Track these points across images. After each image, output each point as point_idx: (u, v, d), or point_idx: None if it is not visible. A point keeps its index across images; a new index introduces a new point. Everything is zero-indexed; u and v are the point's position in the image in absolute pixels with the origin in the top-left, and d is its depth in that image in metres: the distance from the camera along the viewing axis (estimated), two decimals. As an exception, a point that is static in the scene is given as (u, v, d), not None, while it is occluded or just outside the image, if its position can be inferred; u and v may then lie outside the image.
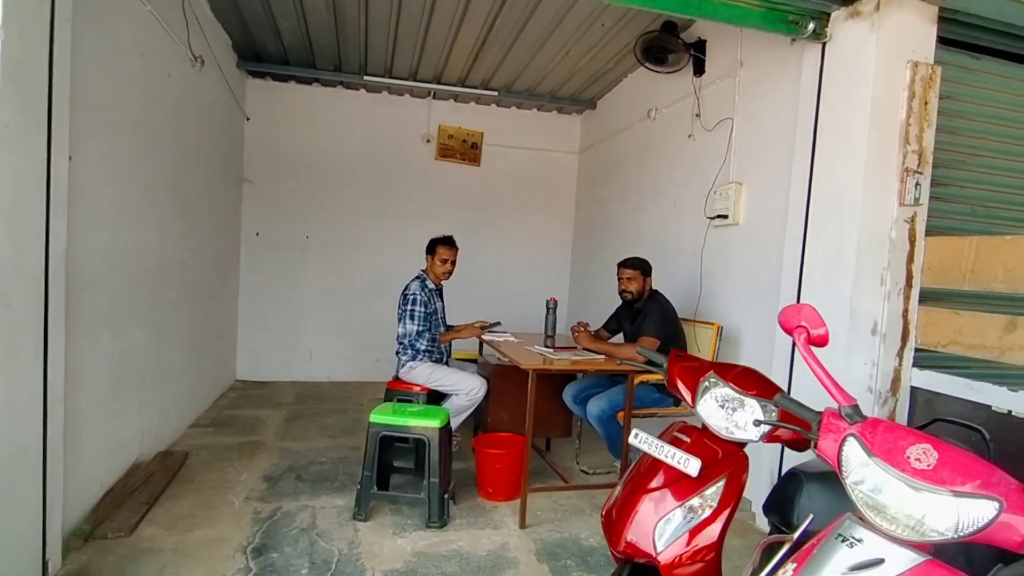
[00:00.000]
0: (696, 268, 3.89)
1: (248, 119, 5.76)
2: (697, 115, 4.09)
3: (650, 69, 4.10)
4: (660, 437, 1.88)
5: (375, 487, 3.01)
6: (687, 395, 1.82)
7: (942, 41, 2.76)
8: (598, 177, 6.04)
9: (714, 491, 1.67)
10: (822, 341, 1.43)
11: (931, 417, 2.84)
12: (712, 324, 3.47)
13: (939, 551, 1.19)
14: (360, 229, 6.17)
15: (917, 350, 2.75)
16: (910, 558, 1.17)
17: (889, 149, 2.67)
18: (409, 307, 3.72)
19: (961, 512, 1.12)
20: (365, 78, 5.58)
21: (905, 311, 2.73)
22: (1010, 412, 2.34)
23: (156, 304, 3.60)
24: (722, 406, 1.74)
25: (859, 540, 1.25)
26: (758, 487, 2.97)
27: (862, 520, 1.28)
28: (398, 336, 3.83)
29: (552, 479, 3.65)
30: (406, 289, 3.82)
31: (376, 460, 3.00)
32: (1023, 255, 2.35)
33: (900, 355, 2.74)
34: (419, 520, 3.03)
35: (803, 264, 2.95)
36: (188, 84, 3.98)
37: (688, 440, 1.77)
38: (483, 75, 5.54)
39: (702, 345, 3.52)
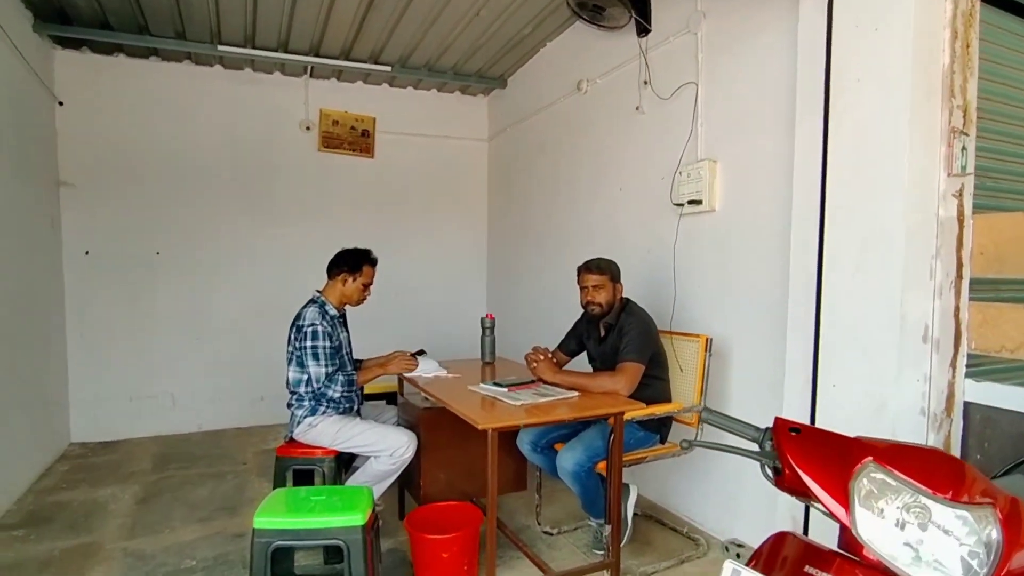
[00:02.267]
0: (664, 267, 3.20)
1: (61, 103, 4.39)
2: (646, 82, 3.40)
3: (589, 23, 3.34)
4: (766, 567, 1.12)
5: (269, 623, 2.03)
6: (834, 505, 1.05)
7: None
8: (515, 166, 5.24)
9: None
10: None
11: (993, 440, 2.35)
12: (697, 336, 2.78)
13: None
14: (227, 240, 4.95)
15: (970, 357, 2.21)
16: None
17: (931, 103, 2.08)
18: (309, 344, 2.71)
19: None
20: (220, 49, 4.40)
21: (956, 309, 2.17)
22: (1115, 432, 1.82)
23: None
24: (899, 523, 1.00)
25: None
26: None
27: None
28: (290, 383, 2.81)
29: (511, 552, 2.79)
30: (299, 319, 2.81)
31: (268, 581, 2.02)
32: None
33: (953, 365, 2.17)
34: (340, 658, 2.08)
35: (822, 255, 2.32)
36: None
37: (842, 585, 1.01)
38: (372, 45, 4.56)
39: (685, 363, 2.83)
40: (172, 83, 4.74)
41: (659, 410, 2.56)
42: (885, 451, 1.04)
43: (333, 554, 2.58)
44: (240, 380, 4.99)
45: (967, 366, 2.20)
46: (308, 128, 5.10)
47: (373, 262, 2.93)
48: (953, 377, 2.18)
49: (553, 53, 4.49)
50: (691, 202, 2.99)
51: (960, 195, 2.15)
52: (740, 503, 2.86)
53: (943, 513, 0.97)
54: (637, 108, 3.47)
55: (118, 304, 4.68)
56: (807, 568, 1.06)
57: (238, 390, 5.00)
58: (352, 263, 2.86)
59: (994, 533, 0.95)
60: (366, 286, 2.91)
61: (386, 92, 5.39)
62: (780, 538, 1.18)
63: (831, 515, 1.04)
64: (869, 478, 1.02)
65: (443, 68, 5.04)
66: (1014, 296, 2.23)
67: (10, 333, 3.49)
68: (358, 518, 2.03)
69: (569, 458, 2.47)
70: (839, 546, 1.09)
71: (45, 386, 4.14)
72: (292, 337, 2.80)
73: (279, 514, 2.04)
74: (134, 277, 4.72)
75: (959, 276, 2.17)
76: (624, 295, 2.83)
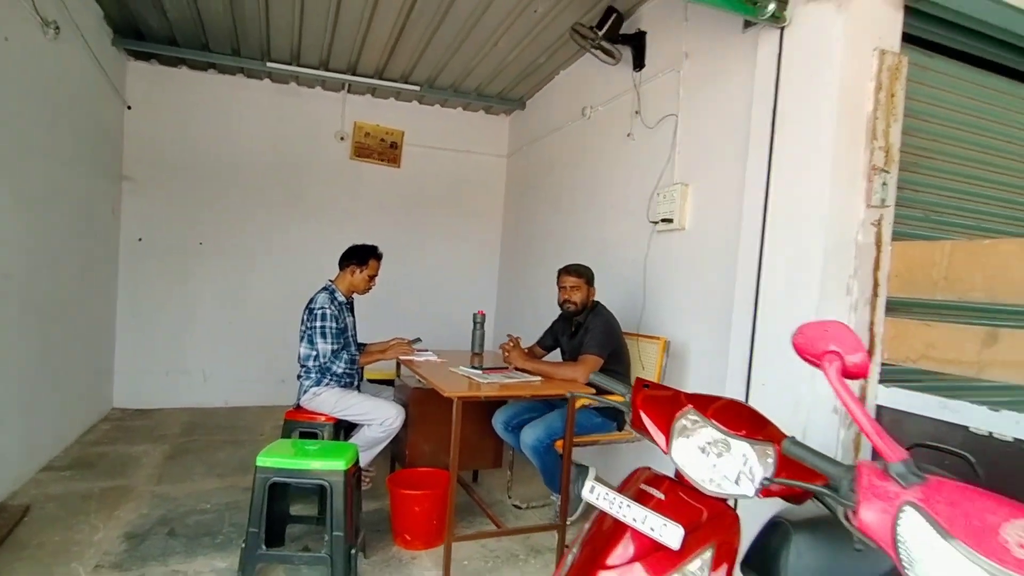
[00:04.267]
0: (638, 277, 3.55)
1: (129, 107, 5.00)
2: (637, 112, 3.77)
3: (592, 51, 3.74)
4: (621, 489, 1.47)
5: (263, 546, 2.44)
6: (659, 437, 1.41)
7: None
8: (528, 182, 5.66)
9: (699, 565, 1.26)
10: (861, 371, 1.05)
11: (903, 440, 2.62)
12: (658, 339, 3.13)
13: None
14: (263, 235, 5.50)
15: (883, 366, 2.50)
16: None
17: (856, 144, 2.40)
18: (319, 324, 3.16)
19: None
20: (269, 65, 4.96)
21: (871, 323, 2.47)
22: (991, 434, 2.10)
23: (-15, 322, 2.88)
24: (704, 451, 1.35)
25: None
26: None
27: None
28: (300, 358, 3.26)
29: (480, 519, 3.17)
30: (312, 303, 3.27)
31: (265, 512, 2.43)
32: (1003, 261, 2.12)
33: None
34: (320, 583, 2.48)
35: (760, 272, 2.65)
36: (38, 55, 3.28)
37: (660, 496, 1.36)
38: (403, 67, 5.05)
39: (646, 362, 3.17)
40: (226, 93, 5.33)
41: (606, 398, 2.88)
42: (700, 401, 1.40)
43: (324, 507, 2.98)
44: (265, 363, 5.48)
45: (884, 375, 2.49)
46: (342, 138, 5.63)
47: (379, 257, 3.36)
48: (866, 382, 2.47)
49: (565, 81, 4.91)
50: (664, 220, 3.34)
51: (879, 224, 2.46)
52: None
53: (737, 446, 1.32)
54: (628, 135, 3.84)
55: (163, 287, 5.24)
56: (642, 486, 1.41)
57: (263, 372, 5.49)
58: (360, 257, 3.30)
59: (769, 460, 1.29)
60: (371, 277, 3.35)
61: (415, 108, 5.89)
62: (639, 470, 1.54)
63: (656, 444, 1.40)
64: (687, 419, 1.38)
65: (467, 89, 5.51)
66: (922, 314, 2.51)
67: (71, 306, 4.04)
68: (341, 465, 2.44)
69: (531, 435, 2.83)
70: (674, 476, 1.44)
71: (96, 356, 4.70)
72: (304, 318, 3.25)
73: (278, 456, 2.46)
74: (179, 264, 5.28)
75: (875, 294, 2.47)
76: (596, 299, 3.19)
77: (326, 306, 3.17)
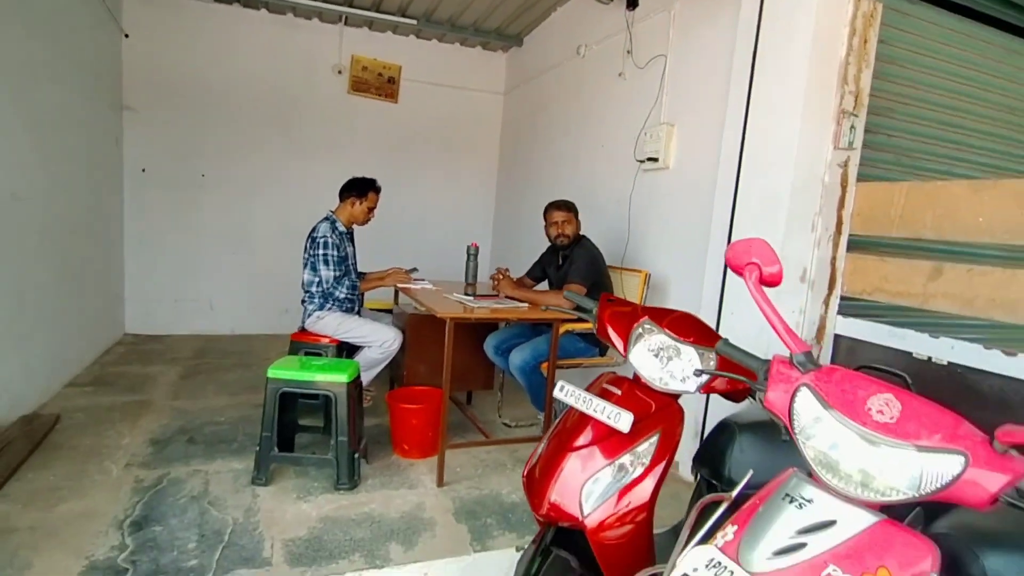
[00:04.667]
0: (624, 213, 3.74)
1: (127, 36, 5.02)
2: (628, 52, 3.86)
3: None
4: (588, 389, 1.71)
5: (276, 448, 2.72)
6: (619, 343, 1.64)
7: (882, -20, 2.64)
8: (524, 119, 5.75)
9: (646, 447, 1.52)
10: (775, 280, 1.26)
11: (854, 364, 2.88)
12: (640, 271, 3.34)
13: (896, 511, 1.08)
14: (264, 167, 5.62)
15: (843, 298, 2.72)
16: (864, 519, 1.04)
17: (827, 89, 2.55)
18: (321, 251, 3.37)
19: (925, 468, 0.99)
20: (266, -5, 4.97)
21: (833, 258, 2.68)
22: (930, 359, 2.34)
23: (9, 243, 3.07)
24: (656, 355, 1.58)
25: (808, 500, 1.11)
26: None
27: (812, 478, 1.15)
28: (304, 283, 3.48)
29: (472, 434, 3.47)
30: (314, 232, 3.46)
31: (276, 419, 2.70)
32: (953, 201, 2.31)
33: (827, 302, 2.70)
34: (327, 482, 2.78)
35: (735, 208, 2.83)
36: (40, -18, 3.34)
37: (619, 392, 1.61)
38: None
39: (629, 293, 3.39)
40: (223, 23, 5.33)
41: (580, 326, 3.13)
42: (656, 314, 1.62)
43: (329, 418, 3.26)
44: (269, 293, 5.71)
45: (842, 307, 2.72)
46: (340, 72, 5.67)
47: (377, 190, 3.53)
48: (825, 312, 2.71)
49: (562, 18, 4.93)
50: (650, 159, 3.49)
51: (845, 165, 2.63)
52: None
53: (686, 351, 1.56)
54: (620, 74, 3.93)
55: (168, 217, 5.40)
56: (605, 385, 1.65)
57: (267, 302, 5.73)
58: (360, 189, 3.47)
59: (711, 364, 1.53)
60: (371, 209, 3.52)
61: (413, 43, 5.90)
62: (604, 374, 1.77)
63: (616, 349, 1.63)
64: (643, 328, 1.60)
65: (464, 24, 5.52)
66: (883, 253, 2.71)
67: (82, 232, 4.23)
68: (344, 378, 2.70)
69: (518, 357, 3.08)
70: (632, 378, 1.68)
71: (107, 282, 4.91)
72: (307, 246, 3.45)
73: (286, 369, 2.71)
74: (182, 194, 5.42)
75: (838, 232, 2.67)
76: (583, 233, 3.38)
77: (328, 235, 3.36)
